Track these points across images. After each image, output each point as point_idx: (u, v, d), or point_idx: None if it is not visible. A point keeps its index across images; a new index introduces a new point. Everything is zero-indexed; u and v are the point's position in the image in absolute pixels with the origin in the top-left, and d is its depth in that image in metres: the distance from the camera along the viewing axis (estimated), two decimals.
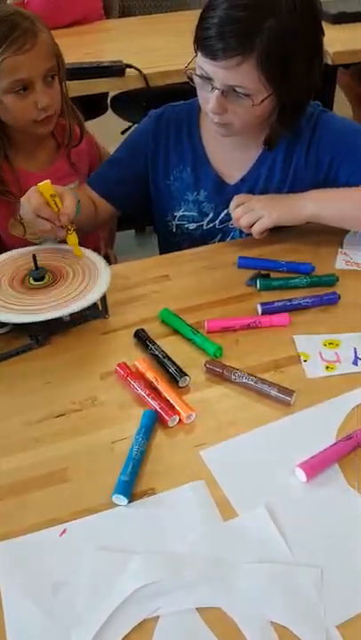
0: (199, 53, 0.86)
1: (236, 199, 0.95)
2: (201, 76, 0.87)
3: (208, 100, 0.88)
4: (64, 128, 1.09)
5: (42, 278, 0.80)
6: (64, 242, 0.86)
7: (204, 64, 0.85)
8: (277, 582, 0.53)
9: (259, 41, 0.80)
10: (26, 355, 0.78)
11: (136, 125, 1.09)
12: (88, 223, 1.04)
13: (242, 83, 0.83)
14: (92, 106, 1.99)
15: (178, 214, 1.07)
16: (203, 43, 0.83)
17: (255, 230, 0.93)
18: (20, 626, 0.51)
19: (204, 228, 1.06)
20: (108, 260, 1.31)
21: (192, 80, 0.90)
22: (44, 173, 1.06)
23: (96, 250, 0.92)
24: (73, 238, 0.83)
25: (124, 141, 1.09)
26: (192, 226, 1.06)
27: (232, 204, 0.95)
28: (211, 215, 1.05)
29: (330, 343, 0.77)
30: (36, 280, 0.80)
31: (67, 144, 1.10)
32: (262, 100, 0.85)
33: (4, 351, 0.77)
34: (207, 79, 0.86)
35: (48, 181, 0.80)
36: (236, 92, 0.85)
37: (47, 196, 0.80)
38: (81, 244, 0.88)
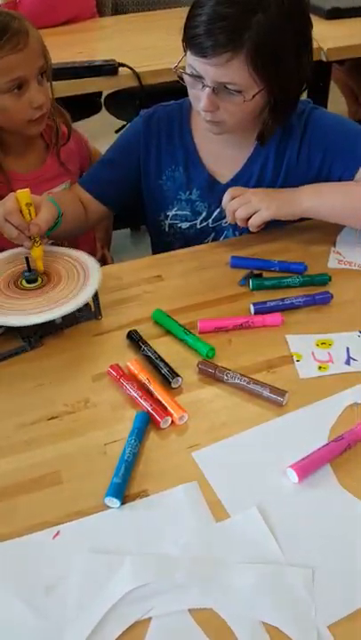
0: (188, 52, 0.85)
1: (230, 192, 0.94)
2: (191, 75, 0.86)
3: (199, 98, 0.87)
4: (51, 128, 1.08)
5: (34, 280, 0.80)
6: (55, 244, 0.86)
7: (194, 62, 0.85)
8: (268, 583, 0.53)
9: (248, 36, 0.80)
10: (18, 356, 0.78)
11: (127, 125, 1.09)
12: (77, 225, 1.04)
13: (233, 79, 0.83)
14: (86, 105, 1.98)
15: (170, 213, 1.06)
16: (192, 41, 0.83)
17: (253, 224, 0.92)
18: (13, 627, 0.51)
19: (197, 227, 1.06)
20: (105, 261, 1.31)
21: (182, 79, 0.90)
22: (34, 175, 1.06)
23: (92, 251, 0.91)
24: (38, 251, 0.82)
25: (116, 142, 1.08)
26: (185, 225, 1.06)
27: (226, 197, 0.94)
28: (204, 214, 1.05)
29: (322, 343, 0.77)
30: (28, 282, 0.80)
31: (55, 143, 1.09)
32: (253, 96, 0.85)
33: None
34: (198, 77, 0.86)
35: (27, 190, 0.80)
36: (228, 88, 0.85)
37: (22, 204, 0.80)
38: (77, 245, 0.88)
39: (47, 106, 1.01)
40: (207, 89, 0.85)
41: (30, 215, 0.81)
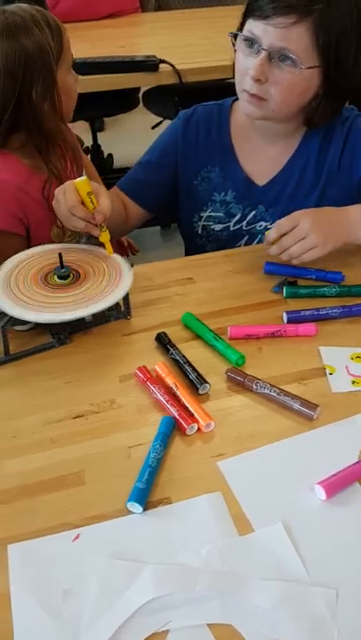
0: (249, 19, 0.84)
1: (278, 227, 0.84)
2: (247, 39, 0.84)
3: (249, 68, 0.85)
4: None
5: (66, 277, 0.79)
6: (95, 241, 0.85)
7: (254, 27, 0.83)
8: (290, 602, 0.52)
9: (317, 7, 0.79)
10: (46, 353, 0.78)
11: (166, 126, 1.08)
12: (119, 227, 1.03)
13: (291, 45, 0.81)
14: (124, 100, 1.98)
15: (204, 215, 1.05)
16: (257, 4, 0.82)
17: (303, 259, 0.84)
18: (29, 630, 0.51)
19: (231, 229, 1.05)
20: (123, 246, 1.28)
21: (234, 49, 0.88)
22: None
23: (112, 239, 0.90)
24: (105, 236, 0.82)
25: (155, 143, 1.07)
26: (218, 227, 1.05)
27: (273, 233, 0.84)
28: (238, 216, 1.03)
29: (357, 357, 0.74)
30: (60, 278, 0.79)
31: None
32: (307, 68, 0.83)
33: (25, 348, 0.77)
34: (254, 43, 0.84)
35: (85, 178, 0.79)
36: (282, 58, 0.82)
37: (83, 194, 0.79)
38: None
39: None
40: (262, 53, 0.83)
41: (93, 203, 0.80)
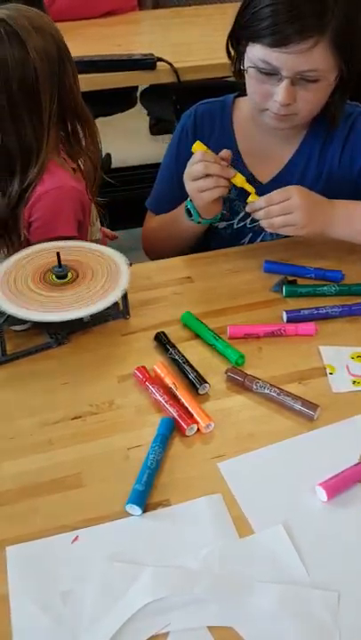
0: (258, 45, 0.81)
1: (268, 198, 0.85)
2: (261, 69, 0.83)
3: (271, 93, 0.84)
4: None
5: (64, 276, 0.79)
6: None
7: (269, 57, 0.81)
8: (291, 605, 0.51)
9: (331, 16, 0.78)
10: (44, 353, 0.77)
11: (174, 131, 1.07)
12: (176, 244, 1.02)
13: (314, 66, 0.80)
14: (121, 98, 1.97)
15: None
16: (265, 31, 0.79)
17: (280, 232, 0.87)
18: (28, 632, 0.50)
19: (235, 227, 1.04)
20: (107, 234, 1.27)
21: (240, 77, 0.87)
22: None
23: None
24: (240, 177, 0.87)
25: (167, 150, 1.06)
26: (222, 224, 1.04)
27: (263, 202, 0.85)
28: (241, 214, 1.02)
29: (358, 356, 0.74)
30: (58, 277, 0.79)
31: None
32: (333, 80, 0.83)
33: (22, 348, 0.77)
34: (270, 73, 0.82)
35: (198, 141, 0.86)
36: (306, 77, 0.81)
37: (203, 149, 0.86)
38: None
39: None
40: (285, 81, 0.81)
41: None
